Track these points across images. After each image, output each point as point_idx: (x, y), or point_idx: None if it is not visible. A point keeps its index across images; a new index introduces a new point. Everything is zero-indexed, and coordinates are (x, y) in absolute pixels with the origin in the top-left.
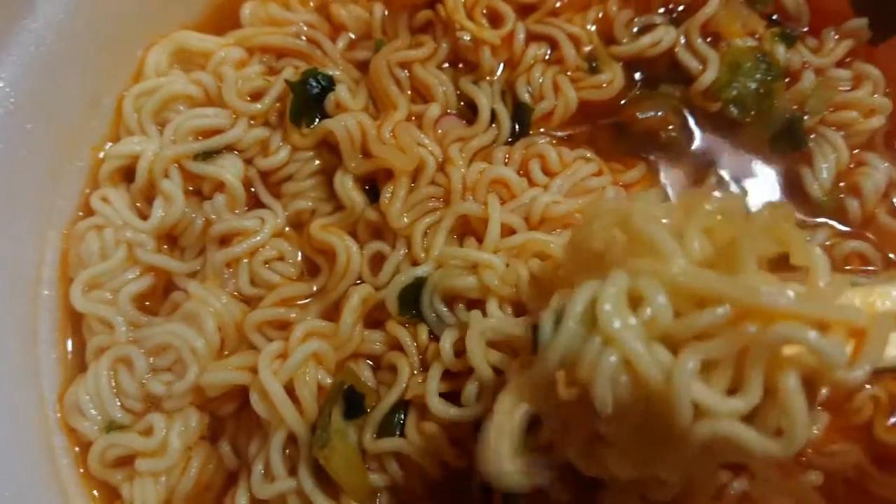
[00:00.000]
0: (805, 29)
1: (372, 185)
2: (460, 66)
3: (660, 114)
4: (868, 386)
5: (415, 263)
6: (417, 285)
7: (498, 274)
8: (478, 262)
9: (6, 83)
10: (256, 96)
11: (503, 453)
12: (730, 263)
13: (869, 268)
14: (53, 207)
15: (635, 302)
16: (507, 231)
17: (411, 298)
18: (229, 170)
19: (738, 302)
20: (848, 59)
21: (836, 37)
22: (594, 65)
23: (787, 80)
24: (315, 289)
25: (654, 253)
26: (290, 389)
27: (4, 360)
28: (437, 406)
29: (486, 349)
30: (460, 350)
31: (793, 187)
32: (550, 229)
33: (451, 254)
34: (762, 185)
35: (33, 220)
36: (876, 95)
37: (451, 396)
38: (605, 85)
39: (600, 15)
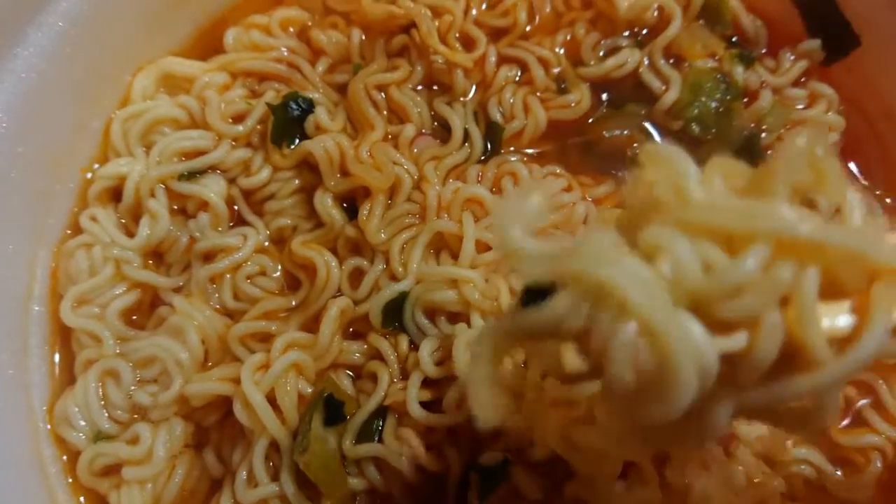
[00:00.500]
0: (763, 50)
1: (350, 203)
2: (434, 88)
3: (626, 132)
4: None
5: (393, 278)
6: (399, 299)
7: (478, 289)
8: (457, 278)
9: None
10: (239, 119)
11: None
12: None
13: None
14: (44, 226)
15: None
16: (483, 247)
17: (393, 311)
18: (213, 189)
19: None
20: (803, 79)
21: (792, 58)
22: (563, 86)
23: (745, 99)
24: (295, 303)
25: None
26: (271, 399)
27: None
28: (418, 412)
29: None
30: (439, 360)
31: None
32: None
33: (431, 272)
34: None
35: (24, 239)
36: (830, 113)
37: (429, 404)
38: (573, 105)
39: (568, 38)
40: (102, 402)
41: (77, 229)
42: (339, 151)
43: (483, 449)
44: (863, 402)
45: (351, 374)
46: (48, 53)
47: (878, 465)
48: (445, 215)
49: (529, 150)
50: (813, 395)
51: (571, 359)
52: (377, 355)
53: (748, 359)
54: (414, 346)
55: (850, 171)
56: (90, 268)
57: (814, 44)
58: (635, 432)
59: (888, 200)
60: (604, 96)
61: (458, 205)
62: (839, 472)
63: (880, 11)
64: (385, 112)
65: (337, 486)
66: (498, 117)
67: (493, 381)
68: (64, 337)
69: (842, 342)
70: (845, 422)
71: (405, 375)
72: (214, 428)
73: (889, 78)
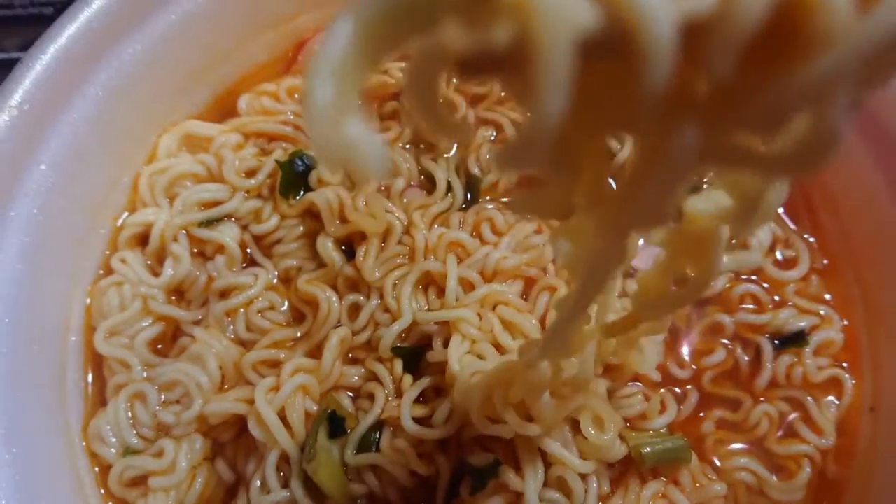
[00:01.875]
0: None
1: (349, 246)
2: (421, 146)
3: None
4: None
5: (386, 310)
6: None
7: (474, 325)
8: (450, 319)
9: (47, 166)
10: (251, 173)
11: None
12: None
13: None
14: (80, 268)
15: None
16: (467, 285)
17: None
18: (228, 235)
19: None
20: None
21: None
22: None
23: None
24: (300, 333)
25: None
26: (281, 416)
27: (38, 394)
28: (411, 426)
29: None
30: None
31: None
32: (503, 281)
33: (427, 318)
34: None
35: (63, 279)
36: None
37: (421, 419)
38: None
39: None
40: (131, 421)
41: (109, 270)
42: (339, 201)
43: (468, 453)
44: (793, 415)
45: (351, 394)
46: (88, 119)
47: (808, 470)
48: (432, 257)
49: (504, 199)
50: (817, 102)
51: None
52: (374, 378)
53: (721, 30)
54: (406, 370)
55: (779, 216)
56: (120, 303)
57: None
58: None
59: (810, 238)
60: None
61: (443, 247)
62: (775, 478)
63: None
64: None
65: (340, 491)
66: (476, 171)
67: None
68: (97, 364)
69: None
70: (779, 433)
71: (399, 394)
72: (229, 443)
73: None
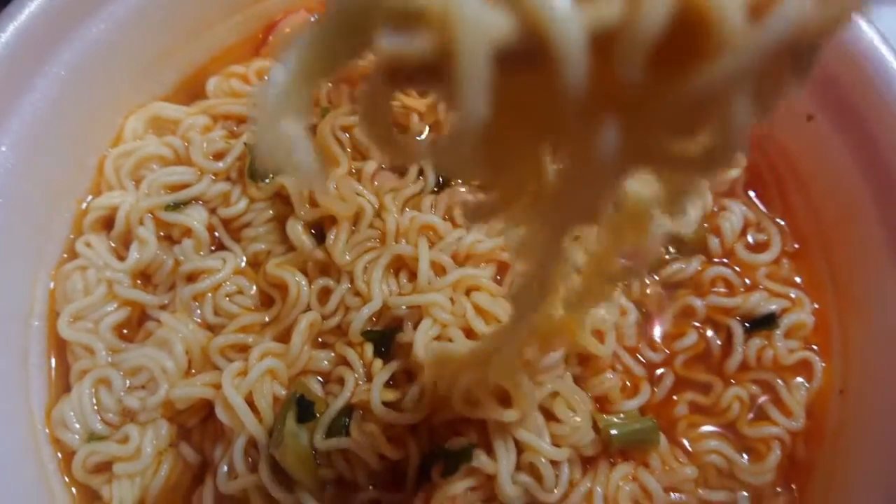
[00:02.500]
0: None
1: (319, 230)
2: (394, 128)
3: None
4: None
5: (357, 294)
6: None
7: (446, 309)
8: (422, 304)
9: (7, 147)
10: (219, 156)
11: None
12: None
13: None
14: (44, 252)
15: None
16: (439, 268)
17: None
18: (196, 218)
19: None
20: None
21: None
22: None
23: None
24: (268, 318)
25: None
26: (249, 401)
27: (1, 380)
28: (380, 410)
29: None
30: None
31: None
32: (475, 264)
33: (399, 302)
34: None
35: (26, 263)
36: None
37: (390, 403)
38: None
39: None
40: (96, 407)
41: (73, 254)
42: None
43: (439, 438)
44: (764, 398)
45: (320, 379)
46: (51, 99)
47: (778, 453)
48: (403, 240)
49: (475, 183)
50: (716, 104)
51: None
52: (344, 362)
53: (626, 36)
54: (377, 354)
55: (751, 200)
56: (85, 288)
57: None
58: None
59: (781, 222)
60: None
61: (415, 231)
62: (746, 460)
63: None
64: (349, 150)
65: (309, 476)
66: None
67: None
68: (60, 349)
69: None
70: (750, 416)
71: (369, 378)
72: (196, 429)
73: (782, 121)
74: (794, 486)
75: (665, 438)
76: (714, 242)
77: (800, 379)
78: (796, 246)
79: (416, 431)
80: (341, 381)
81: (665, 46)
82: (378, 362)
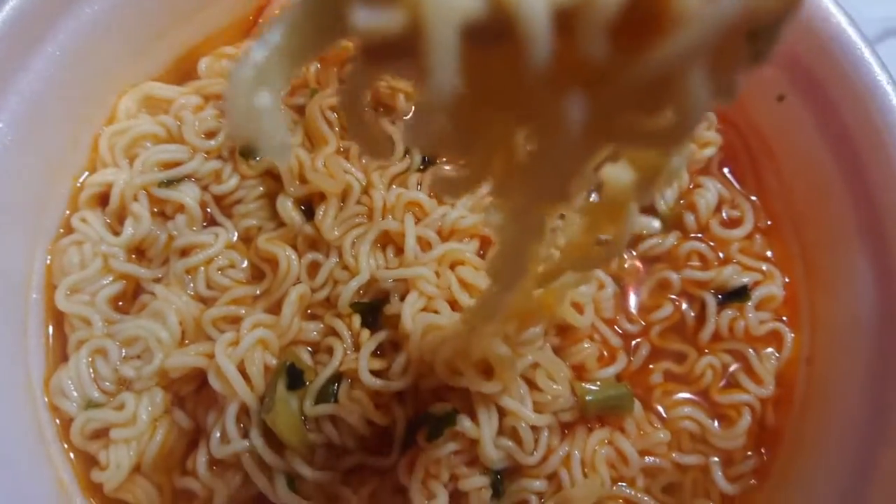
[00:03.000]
0: None
1: (308, 206)
2: (380, 109)
3: None
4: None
5: (345, 268)
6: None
7: (432, 283)
8: (408, 277)
9: (4, 124)
10: (211, 135)
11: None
12: None
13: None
14: (41, 226)
15: None
16: (424, 243)
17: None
18: (188, 194)
19: None
20: None
21: None
22: None
23: None
24: (259, 291)
25: None
26: (241, 369)
27: (1, 350)
28: (368, 379)
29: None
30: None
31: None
32: (459, 240)
33: (386, 275)
34: None
35: (24, 237)
36: (710, 130)
37: (378, 372)
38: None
39: None
40: (92, 376)
41: (69, 229)
42: (298, 162)
43: (423, 405)
44: (735, 366)
45: (310, 349)
46: (47, 78)
47: (748, 418)
48: (390, 216)
49: (461, 162)
50: (675, 78)
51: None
52: (333, 332)
53: (587, 12)
54: (364, 324)
55: (726, 177)
56: (81, 262)
57: None
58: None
59: (754, 199)
60: None
61: (401, 207)
62: (717, 426)
63: None
64: (337, 129)
65: (299, 440)
66: None
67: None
68: (58, 320)
69: None
70: (722, 383)
71: (357, 348)
72: (190, 396)
73: (754, 101)
74: (763, 451)
75: (640, 404)
76: (690, 218)
77: (770, 349)
78: (769, 223)
79: (402, 398)
80: (330, 351)
81: (626, 23)
82: (366, 332)
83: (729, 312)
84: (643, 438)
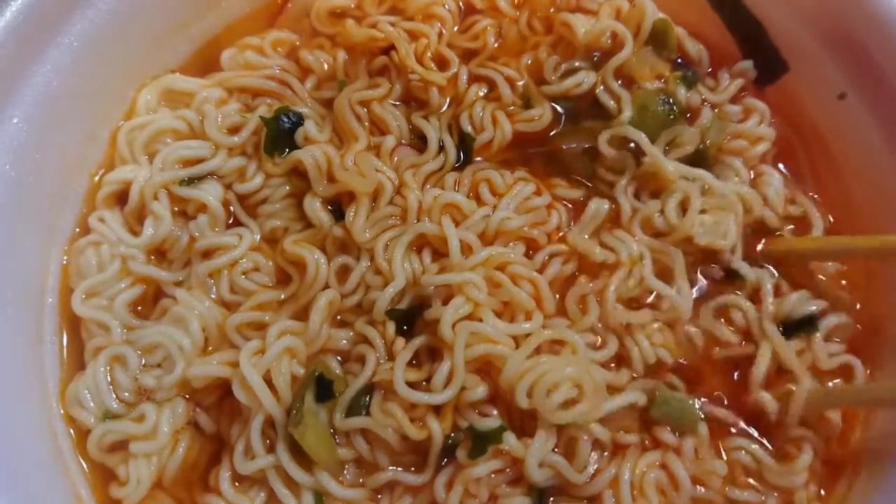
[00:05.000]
0: (709, 69)
1: (337, 207)
2: (412, 103)
3: (585, 144)
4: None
5: (378, 272)
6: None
7: (482, 289)
8: (456, 283)
9: (19, 119)
10: (234, 130)
11: None
12: None
13: None
14: (56, 227)
15: None
16: (465, 248)
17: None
18: (211, 193)
19: None
20: (743, 95)
21: (728, 77)
22: (528, 102)
23: (689, 115)
24: (285, 296)
25: None
26: (267, 379)
27: (14, 357)
28: (404, 391)
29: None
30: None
31: None
32: (504, 243)
33: (430, 281)
34: None
35: (39, 238)
36: (762, 125)
37: (413, 383)
38: (536, 118)
39: (530, 61)
40: (110, 385)
41: (86, 229)
42: (327, 160)
43: (461, 418)
44: None
45: (339, 358)
46: (63, 70)
47: (810, 454)
48: (426, 218)
49: (498, 160)
50: None
51: None
52: (364, 340)
53: None
54: (398, 333)
55: (783, 172)
56: (98, 264)
57: (747, 64)
58: None
59: (815, 196)
60: (562, 113)
61: (438, 209)
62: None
63: (805, 42)
64: (367, 125)
65: (329, 456)
66: (469, 129)
67: None
68: (74, 326)
69: None
70: None
71: (391, 357)
72: (213, 407)
73: (812, 97)
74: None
75: (706, 428)
76: (768, 214)
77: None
78: (831, 219)
79: (438, 412)
80: (361, 360)
81: None
82: (400, 341)
83: (794, 344)
84: (698, 464)
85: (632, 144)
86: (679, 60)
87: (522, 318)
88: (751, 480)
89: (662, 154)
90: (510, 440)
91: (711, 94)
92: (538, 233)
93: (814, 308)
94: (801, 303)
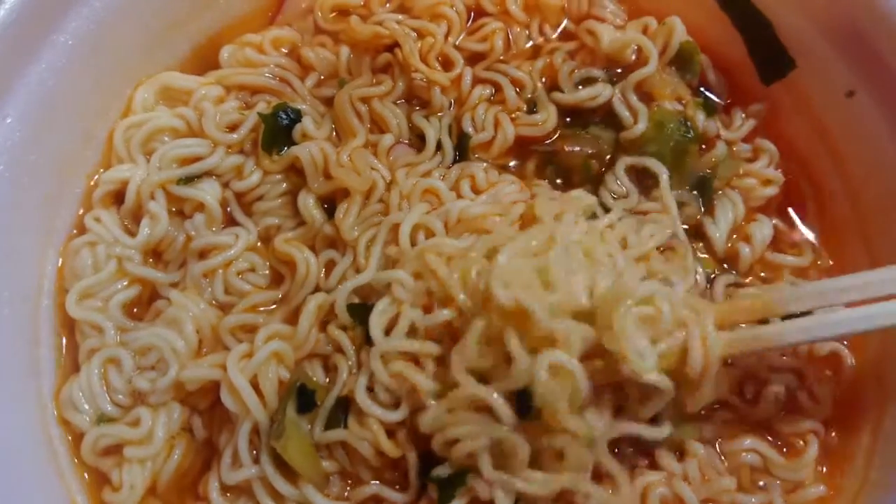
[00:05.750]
0: (728, 101)
1: (331, 204)
2: (414, 102)
3: (589, 150)
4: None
5: (358, 270)
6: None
7: (408, 287)
8: (391, 280)
9: (13, 119)
10: (233, 128)
11: None
12: None
13: None
14: (52, 227)
15: None
16: (429, 234)
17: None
18: (208, 192)
19: None
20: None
21: (743, 116)
22: (534, 108)
23: (703, 146)
24: (280, 296)
25: None
26: (255, 385)
27: (9, 360)
28: (366, 404)
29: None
30: None
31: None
32: (463, 231)
33: (378, 278)
34: None
35: (34, 239)
36: (770, 168)
37: None
38: (539, 123)
39: (541, 64)
40: (105, 388)
41: (82, 229)
42: (323, 156)
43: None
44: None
45: (325, 364)
46: (58, 69)
47: (816, 447)
48: (406, 204)
49: (498, 162)
50: None
51: None
52: (338, 348)
53: None
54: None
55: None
56: (94, 264)
57: (759, 107)
58: None
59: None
60: (568, 119)
61: (417, 195)
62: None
63: (813, 39)
64: (367, 122)
65: (313, 469)
66: (470, 131)
67: None
68: (69, 328)
69: None
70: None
71: (360, 365)
72: (206, 412)
73: (820, 95)
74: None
75: (704, 448)
76: (745, 251)
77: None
78: (830, 262)
79: (413, 426)
80: (336, 369)
81: None
82: (367, 349)
83: None
84: (707, 486)
85: None
86: (700, 88)
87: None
88: (760, 483)
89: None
90: (478, 485)
91: (725, 131)
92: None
93: None
94: None
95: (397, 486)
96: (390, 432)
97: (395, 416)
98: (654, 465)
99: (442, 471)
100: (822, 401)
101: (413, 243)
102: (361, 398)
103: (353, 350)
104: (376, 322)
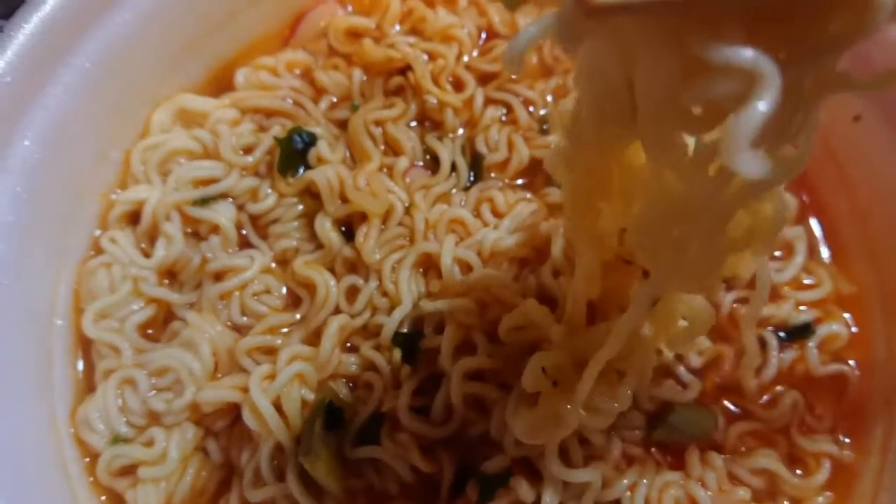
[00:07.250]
0: None
1: (348, 227)
2: (427, 124)
3: None
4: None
5: (385, 294)
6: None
7: (472, 313)
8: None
9: (31, 141)
10: (248, 150)
11: None
12: None
13: None
14: (67, 247)
15: None
16: (465, 266)
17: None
18: (224, 214)
19: None
20: None
21: None
22: (545, 127)
23: None
24: (297, 318)
25: None
26: (277, 405)
27: (23, 382)
28: (409, 421)
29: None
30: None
31: None
32: (499, 263)
33: (427, 307)
34: None
35: (49, 259)
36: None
37: (424, 410)
38: (552, 145)
39: (553, 84)
40: (120, 408)
41: (98, 250)
42: (339, 180)
43: (471, 452)
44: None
45: (350, 383)
46: (75, 91)
47: (828, 470)
48: (432, 235)
49: (517, 182)
50: None
51: None
52: (371, 367)
53: None
54: (405, 359)
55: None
56: (110, 285)
57: None
58: None
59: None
60: None
61: (443, 225)
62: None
63: None
64: (381, 145)
65: (339, 486)
66: (484, 150)
67: None
68: (85, 348)
69: None
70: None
71: (398, 385)
72: (223, 433)
73: (828, 119)
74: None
75: (721, 458)
76: None
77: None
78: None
79: (449, 444)
80: (369, 387)
81: None
82: (406, 368)
83: (791, 353)
84: (724, 497)
85: None
86: None
87: None
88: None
89: None
90: (520, 487)
91: None
92: (526, 252)
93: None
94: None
95: (424, 501)
96: (424, 448)
97: (442, 431)
98: (676, 466)
99: (489, 467)
100: (826, 420)
101: None
102: (404, 415)
103: (388, 368)
104: (447, 347)
